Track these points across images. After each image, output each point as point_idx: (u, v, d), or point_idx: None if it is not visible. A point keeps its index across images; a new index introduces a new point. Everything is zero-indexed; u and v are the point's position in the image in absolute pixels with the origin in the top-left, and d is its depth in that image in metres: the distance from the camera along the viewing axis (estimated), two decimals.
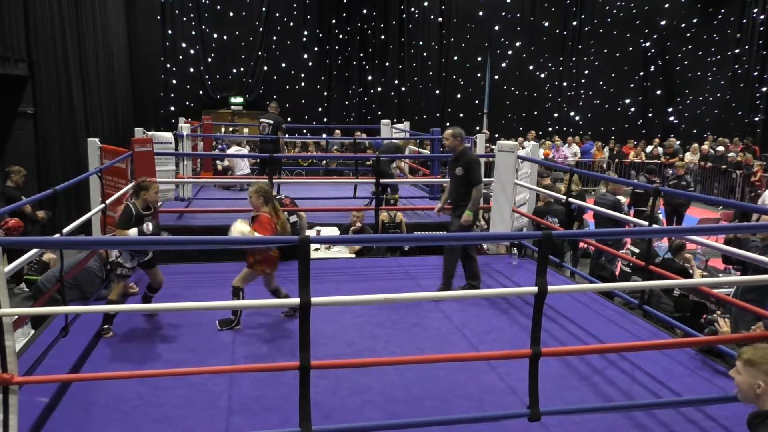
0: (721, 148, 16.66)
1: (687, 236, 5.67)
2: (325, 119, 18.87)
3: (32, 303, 5.23)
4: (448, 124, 19.36)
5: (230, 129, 16.17)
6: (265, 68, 18.79)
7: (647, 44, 20.88)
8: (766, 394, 2.45)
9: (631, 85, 21.12)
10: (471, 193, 5.51)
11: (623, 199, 8.81)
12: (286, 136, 11.32)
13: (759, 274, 5.02)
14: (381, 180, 7.89)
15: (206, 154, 12.12)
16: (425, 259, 7.36)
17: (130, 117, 15.87)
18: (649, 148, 17.74)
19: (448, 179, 6.00)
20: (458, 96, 20.34)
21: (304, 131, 17.10)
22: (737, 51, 20.37)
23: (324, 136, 16.31)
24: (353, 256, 7.42)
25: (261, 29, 18.49)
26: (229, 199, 9.78)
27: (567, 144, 17.93)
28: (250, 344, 4.46)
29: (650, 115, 21.36)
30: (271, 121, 9.99)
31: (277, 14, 18.75)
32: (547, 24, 20.51)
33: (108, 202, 5.64)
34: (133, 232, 4.53)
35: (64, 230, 4.63)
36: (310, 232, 7.54)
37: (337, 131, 16.18)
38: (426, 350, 4.42)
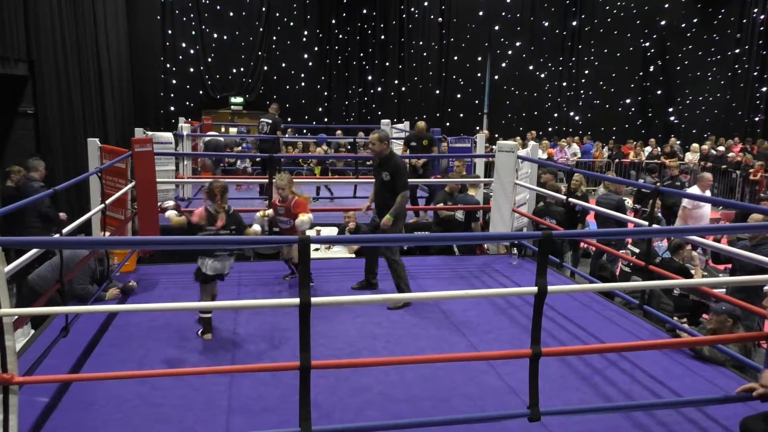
0: (721, 148, 16.68)
1: (687, 236, 5.67)
2: (326, 119, 18.88)
3: (19, 299, 5.20)
4: (448, 124, 19.37)
5: (238, 129, 16.11)
6: (265, 68, 18.79)
7: (647, 44, 20.87)
8: None
9: (631, 85, 21.12)
10: (395, 199, 5.40)
11: (628, 201, 8.83)
12: (286, 135, 11.34)
13: (746, 274, 5.06)
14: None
15: (206, 154, 12.11)
16: (425, 259, 7.36)
17: (130, 117, 15.87)
18: (648, 149, 17.74)
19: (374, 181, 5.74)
20: (458, 96, 20.34)
21: (305, 131, 17.11)
22: (737, 51, 20.38)
23: (323, 135, 16.28)
24: (353, 256, 7.42)
25: (261, 29, 18.49)
26: (230, 198, 9.78)
27: (567, 144, 17.91)
28: (250, 344, 4.46)
29: (650, 115, 21.36)
30: (270, 121, 10.12)
31: (277, 14, 18.75)
32: (547, 24, 20.51)
33: (108, 202, 5.64)
34: (257, 228, 4.72)
35: (64, 230, 4.63)
36: (310, 232, 7.53)
37: (339, 131, 16.17)
38: (426, 350, 4.42)
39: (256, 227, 4.81)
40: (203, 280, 4.51)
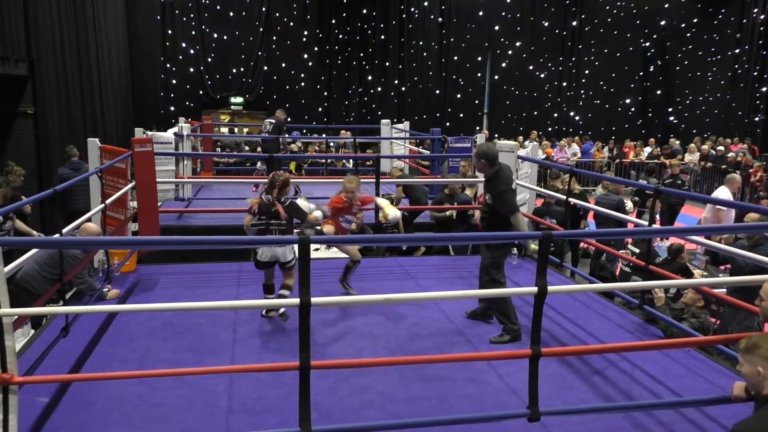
0: (721, 148, 16.67)
1: (687, 236, 5.67)
2: (325, 119, 18.88)
3: (13, 299, 5.20)
4: (448, 124, 19.37)
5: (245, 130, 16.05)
6: (265, 68, 18.79)
7: (647, 44, 20.87)
8: (765, 380, 2.51)
9: (631, 85, 21.13)
10: (502, 222, 4.66)
11: (629, 203, 8.80)
12: (288, 137, 11.30)
13: (744, 274, 5.06)
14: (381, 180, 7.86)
15: (206, 154, 12.13)
16: (425, 259, 7.36)
17: (130, 117, 15.87)
18: (648, 149, 17.73)
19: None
20: (458, 96, 20.34)
21: (304, 131, 17.12)
22: (737, 51, 20.37)
23: (324, 136, 16.31)
24: None
25: (261, 29, 18.49)
26: (229, 199, 9.78)
27: (567, 145, 17.91)
28: (250, 344, 4.46)
29: (650, 115, 21.36)
30: (273, 121, 10.16)
31: (277, 14, 18.75)
32: (547, 24, 20.51)
33: (108, 202, 5.64)
34: (318, 213, 4.87)
35: (64, 230, 4.63)
36: (310, 232, 7.51)
37: (343, 131, 16.18)
38: (426, 350, 4.42)
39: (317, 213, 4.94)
40: (258, 267, 4.81)
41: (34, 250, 4.20)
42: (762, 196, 10.13)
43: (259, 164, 11.73)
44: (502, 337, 4.62)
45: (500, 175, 4.71)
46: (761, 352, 2.52)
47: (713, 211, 8.66)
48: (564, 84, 20.86)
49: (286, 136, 11.07)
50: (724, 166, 15.64)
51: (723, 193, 8.87)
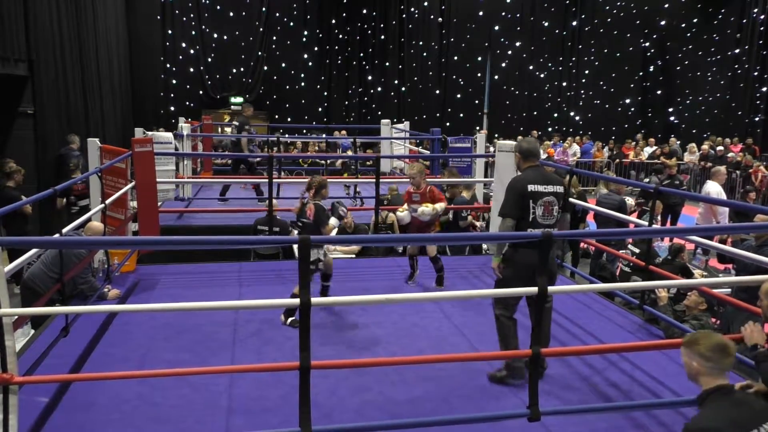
0: (721, 148, 16.67)
1: (687, 236, 5.67)
2: (325, 119, 18.88)
3: (22, 300, 5.21)
4: (448, 124, 19.37)
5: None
6: (265, 68, 18.78)
7: (647, 44, 20.87)
8: (699, 375, 2.64)
9: (631, 85, 21.12)
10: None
11: (630, 201, 8.81)
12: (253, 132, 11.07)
13: (750, 274, 5.06)
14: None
15: (206, 154, 12.13)
16: (424, 259, 7.34)
17: (130, 117, 15.87)
18: (648, 149, 17.72)
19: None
20: (458, 96, 20.34)
21: (304, 131, 17.13)
22: (737, 51, 20.36)
23: (324, 136, 16.31)
24: (353, 256, 7.42)
25: (261, 29, 18.48)
26: (228, 198, 9.78)
27: (569, 145, 17.89)
28: (250, 344, 4.46)
29: (650, 115, 21.36)
30: (237, 123, 10.06)
31: (277, 14, 18.75)
32: (547, 24, 20.50)
33: (108, 202, 5.64)
34: (334, 222, 4.73)
35: (64, 230, 4.63)
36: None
37: (343, 131, 16.18)
38: (426, 350, 4.42)
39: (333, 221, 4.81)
40: None
41: (33, 251, 4.21)
42: (749, 189, 10.15)
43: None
44: (500, 372, 3.99)
45: (523, 173, 4.21)
46: (699, 348, 2.61)
47: (706, 205, 8.86)
48: (564, 84, 20.86)
49: (254, 133, 10.83)
50: (724, 166, 15.63)
51: (712, 187, 9.04)
